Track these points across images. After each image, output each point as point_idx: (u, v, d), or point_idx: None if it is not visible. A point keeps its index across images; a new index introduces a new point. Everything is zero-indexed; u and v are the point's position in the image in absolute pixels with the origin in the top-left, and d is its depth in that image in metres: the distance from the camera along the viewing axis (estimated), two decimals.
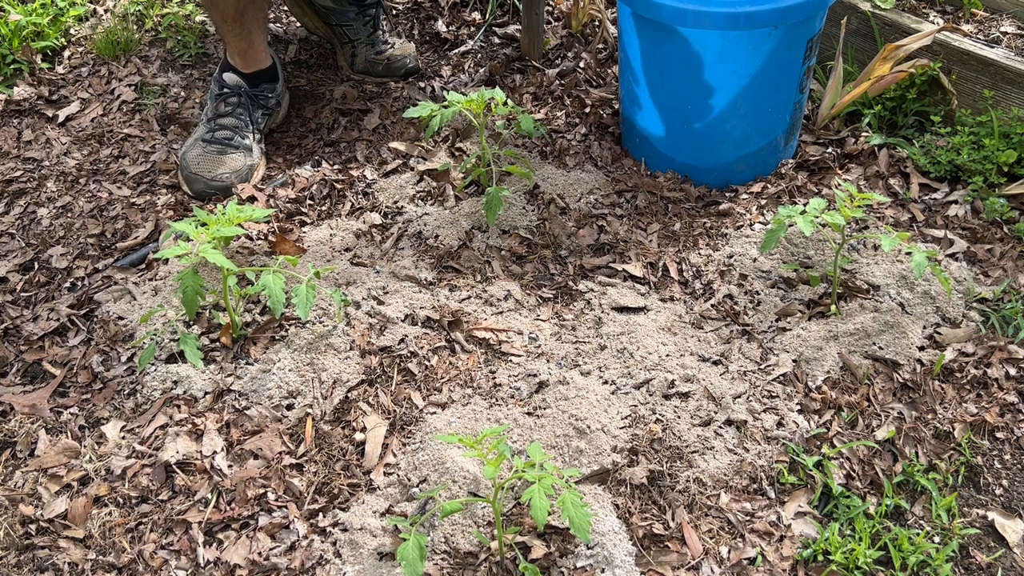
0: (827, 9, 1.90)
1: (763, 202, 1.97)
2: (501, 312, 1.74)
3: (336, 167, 2.12)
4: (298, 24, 2.64)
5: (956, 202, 1.94)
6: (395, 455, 1.49)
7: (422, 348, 1.65)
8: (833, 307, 1.69)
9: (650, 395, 1.55)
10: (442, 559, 1.34)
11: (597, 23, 2.55)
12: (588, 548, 1.34)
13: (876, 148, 2.06)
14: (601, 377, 1.60)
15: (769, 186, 2.01)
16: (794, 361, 1.61)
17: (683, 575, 1.33)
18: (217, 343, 1.68)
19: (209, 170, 2.02)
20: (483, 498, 1.35)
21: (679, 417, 1.52)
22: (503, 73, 2.44)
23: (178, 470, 1.48)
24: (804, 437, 1.50)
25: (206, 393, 1.59)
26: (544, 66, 2.46)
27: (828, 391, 1.57)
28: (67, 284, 1.85)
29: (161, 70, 2.50)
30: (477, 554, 1.34)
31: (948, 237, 1.86)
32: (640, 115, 2.04)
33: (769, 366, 1.61)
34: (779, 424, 1.52)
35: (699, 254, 1.86)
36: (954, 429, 1.51)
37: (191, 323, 1.71)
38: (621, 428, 1.50)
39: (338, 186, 2.05)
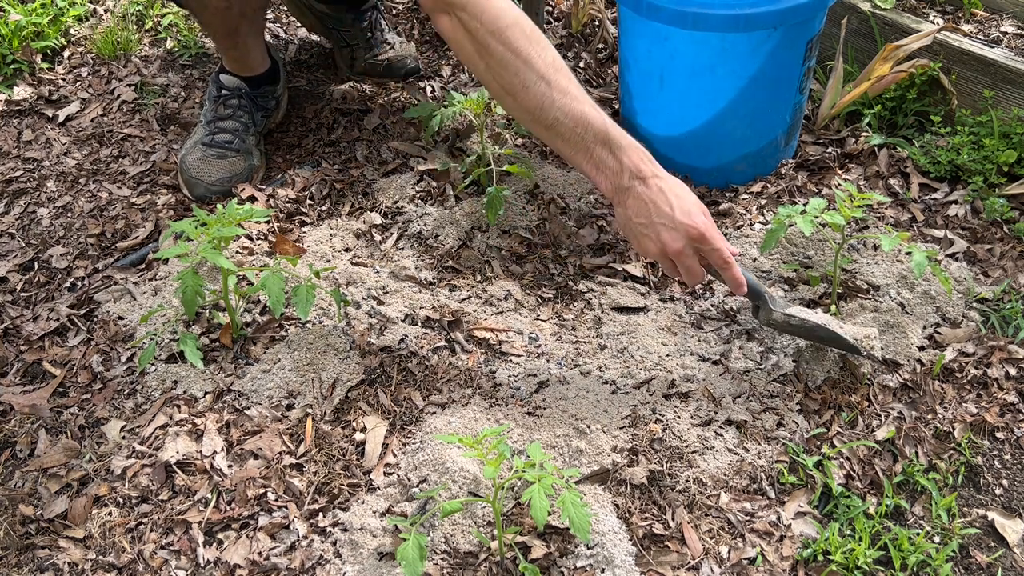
0: (827, 10, 1.91)
1: (763, 202, 1.97)
2: (501, 312, 1.75)
3: (336, 167, 2.12)
4: (298, 24, 2.64)
5: (956, 202, 1.94)
6: (395, 455, 1.49)
7: (422, 348, 1.65)
8: (833, 307, 1.69)
9: (650, 395, 1.55)
10: (442, 559, 1.34)
11: (597, 23, 2.55)
12: (588, 548, 1.34)
13: (876, 148, 2.06)
14: (601, 377, 1.60)
15: (769, 186, 2.02)
16: (794, 361, 1.61)
17: (683, 575, 1.33)
18: (217, 343, 1.68)
19: (210, 174, 2.02)
20: (483, 498, 1.35)
21: (679, 417, 1.52)
22: None
23: (178, 470, 1.48)
24: (804, 437, 1.50)
25: (206, 393, 1.59)
26: None
27: (828, 391, 1.57)
28: (67, 284, 1.85)
29: (161, 70, 2.50)
30: (477, 554, 1.34)
31: (948, 237, 1.86)
32: (640, 115, 2.04)
33: (769, 366, 1.61)
34: (779, 424, 1.52)
35: None
36: (954, 429, 1.51)
37: (191, 323, 1.71)
38: (621, 428, 1.50)
39: (338, 186, 2.05)
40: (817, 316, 1.55)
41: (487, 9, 1.41)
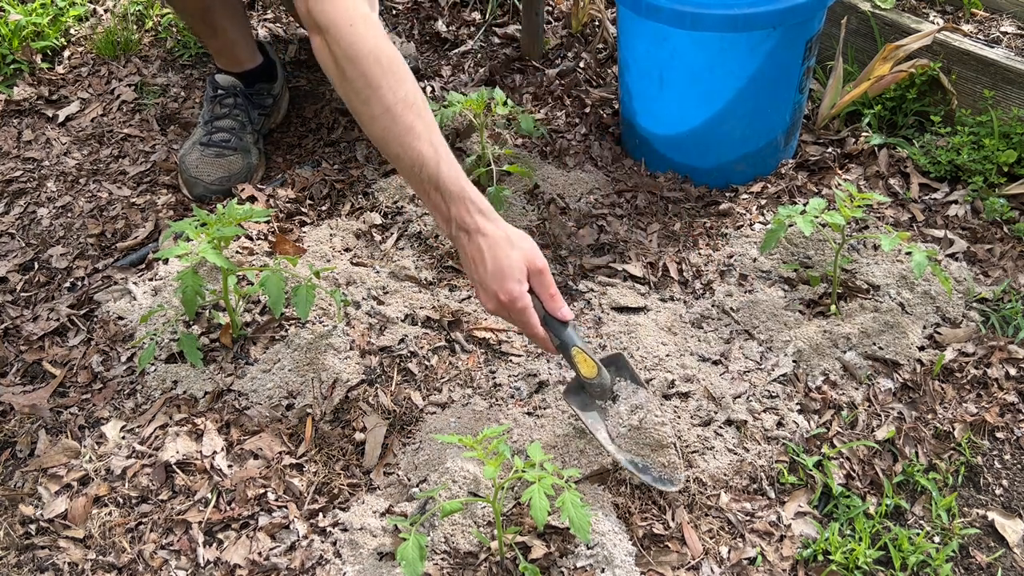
0: (826, 10, 1.90)
1: (763, 202, 1.97)
2: None
3: (336, 167, 2.12)
4: (298, 24, 2.64)
5: (956, 202, 1.94)
6: (395, 455, 1.49)
7: (422, 348, 1.65)
8: (833, 307, 1.69)
9: None
10: (442, 559, 1.34)
11: (597, 23, 2.55)
12: (588, 548, 1.34)
13: (876, 148, 2.06)
14: None
15: (769, 186, 2.02)
16: (794, 361, 1.61)
17: (683, 575, 1.33)
18: (217, 343, 1.68)
19: (208, 173, 2.02)
20: (483, 498, 1.35)
21: (679, 417, 1.52)
22: (503, 73, 2.44)
23: (178, 470, 1.48)
24: (804, 437, 1.50)
25: (206, 393, 1.59)
26: (544, 66, 2.46)
27: (828, 391, 1.57)
28: (67, 284, 1.85)
29: (161, 70, 2.50)
30: (477, 554, 1.34)
31: (948, 237, 1.86)
32: (639, 116, 2.04)
33: (769, 366, 1.61)
34: (779, 424, 1.52)
35: (699, 254, 1.86)
36: (954, 429, 1.51)
37: (191, 323, 1.71)
38: None
39: (338, 186, 2.05)
40: (606, 438, 1.43)
41: (345, 35, 1.40)
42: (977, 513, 1.43)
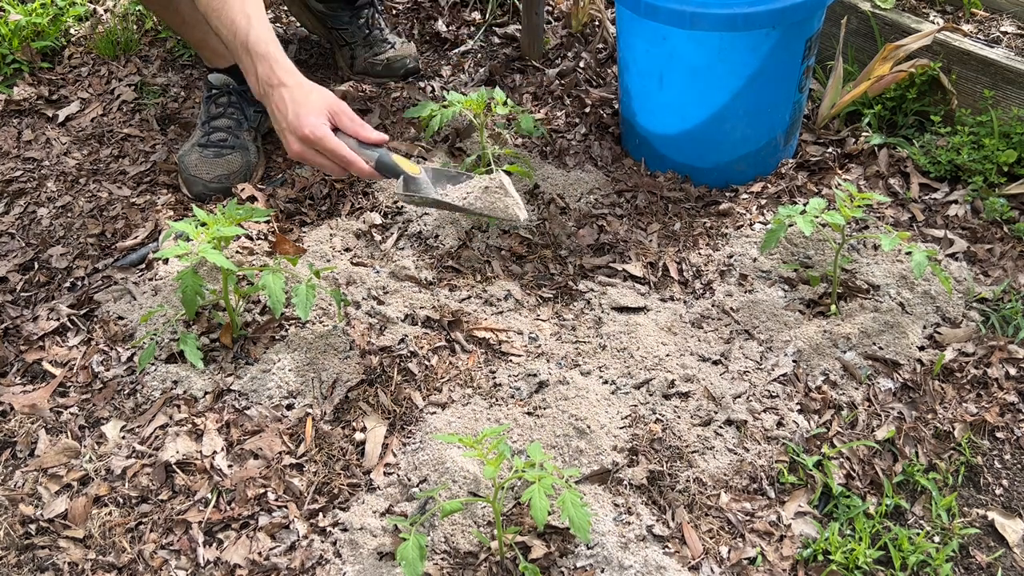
0: (825, 9, 1.91)
1: (763, 202, 1.97)
2: (501, 312, 1.75)
3: None
4: (298, 24, 2.64)
5: (956, 202, 1.94)
6: (395, 455, 1.49)
7: (422, 348, 1.65)
8: (833, 307, 1.69)
9: (650, 395, 1.55)
10: (442, 559, 1.34)
11: (597, 23, 2.55)
12: (588, 548, 1.34)
13: (876, 148, 2.06)
14: (601, 377, 1.60)
15: (769, 186, 2.02)
16: (794, 361, 1.61)
17: (683, 575, 1.33)
18: (217, 343, 1.68)
19: (208, 172, 2.02)
20: (483, 498, 1.35)
21: (679, 417, 1.52)
22: (503, 73, 2.44)
23: (178, 470, 1.48)
24: (804, 437, 1.50)
25: (206, 393, 1.59)
26: (544, 66, 2.46)
27: (828, 391, 1.57)
28: (67, 284, 1.85)
29: (161, 70, 2.50)
30: (477, 554, 1.34)
31: (948, 237, 1.86)
32: (639, 115, 2.04)
33: (769, 366, 1.61)
34: (779, 424, 1.52)
35: (699, 254, 1.86)
36: (954, 429, 1.51)
37: (191, 323, 1.71)
38: (621, 428, 1.50)
39: (338, 186, 2.05)
40: (458, 199, 1.61)
41: None
42: (977, 513, 1.43)
